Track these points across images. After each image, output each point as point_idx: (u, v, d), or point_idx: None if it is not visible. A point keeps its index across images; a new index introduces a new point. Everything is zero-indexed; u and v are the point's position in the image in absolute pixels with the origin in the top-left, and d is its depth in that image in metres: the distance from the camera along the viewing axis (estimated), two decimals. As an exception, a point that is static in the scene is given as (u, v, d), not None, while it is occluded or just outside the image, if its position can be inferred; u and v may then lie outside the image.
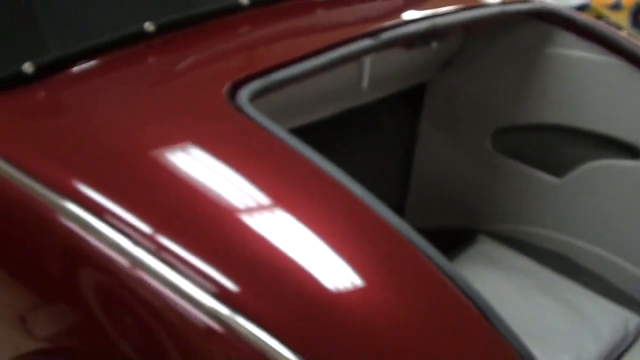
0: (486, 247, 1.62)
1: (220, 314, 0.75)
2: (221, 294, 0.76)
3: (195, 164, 0.90)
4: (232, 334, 0.75)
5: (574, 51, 1.47)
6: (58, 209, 0.87)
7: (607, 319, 1.39)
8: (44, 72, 1.06)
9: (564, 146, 1.56)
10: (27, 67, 1.05)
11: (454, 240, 1.61)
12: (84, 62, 1.09)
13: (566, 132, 1.54)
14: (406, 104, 1.70)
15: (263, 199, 0.86)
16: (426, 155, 1.75)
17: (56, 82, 1.06)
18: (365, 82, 1.33)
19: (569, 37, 1.46)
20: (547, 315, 1.38)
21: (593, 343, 1.33)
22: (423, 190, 1.78)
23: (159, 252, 0.80)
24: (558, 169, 1.57)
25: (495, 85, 1.60)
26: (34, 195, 0.89)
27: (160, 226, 0.83)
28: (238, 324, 0.75)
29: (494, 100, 1.61)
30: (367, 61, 1.32)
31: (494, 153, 1.65)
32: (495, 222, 1.70)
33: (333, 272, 0.79)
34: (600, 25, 1.46)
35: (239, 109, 0.97)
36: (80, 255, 0.86)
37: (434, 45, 1.30)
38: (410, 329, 0.78)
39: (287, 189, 0.89)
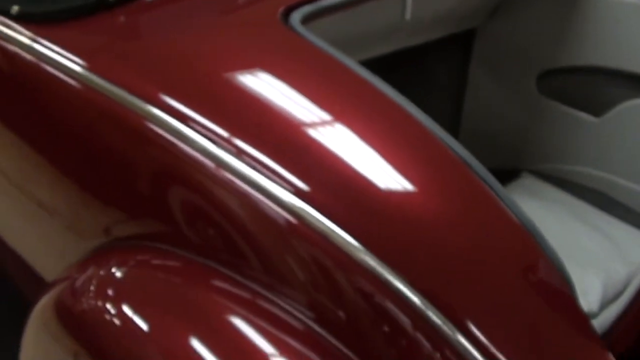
0: (527, 181, 1.64)
1: (296, 207, 0.81)
2: (295, 191, 0.82)
3: (257, 76, 0.95)
4: (304, 224, 0.80)
5: None
6: (146, 115, 0.92)
7: (637, 246, 1.40)
8: None
9: (603, 87, 1.56)
10: (110, -7, 1.12)
11: (500, 179, 1.63)
12: None
13: (606, 73, 1.54)
14: (457, 49, 1.72)
15: (322, 108, 0.90)
16: (475, 98, 1.77)
17: (133, 8, 1.13)
18: (408, 14, 1.36)
19: None
20: (579, 239, 1.40)
21: (622, 265, 1.34)
22: (472, 132, 1.80)
23: (239, 154, 0.85)
24: (597, 108, 1.58)
25: (539, 30, 1.60)
26: (125, 104, 0.94)
27: (237, 132, 0.88)
28: (310, 214, 0.80)
29: (539, 45, 1.62)
30: None
31: (539, 95, 1.66)
32: (538, 161, 1.71)
33: (392, 178, 0.83)
34: (640, -29, 1.46)
35: (291, 29, 1.03)
36: (166, 158, 0.91)
37: None
38: (460, 229, 0.83)
39: (342, 99, 0.94)
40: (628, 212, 1.54)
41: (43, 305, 1.02)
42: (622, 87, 1.53)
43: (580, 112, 1.60)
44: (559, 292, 0.83)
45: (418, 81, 1.68)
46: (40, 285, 1.10)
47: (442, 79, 1.76)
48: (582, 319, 0.82)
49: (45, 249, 1.24)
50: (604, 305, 1.25)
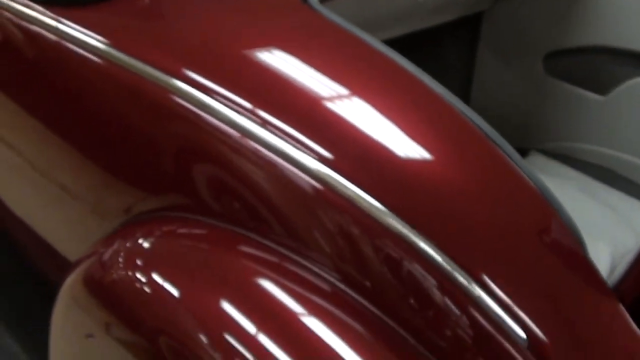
0: (535, 159, 1.65)
1: (322, 173, 0.81)
2: (320, 159, 0.82)
3: (278, 52, 0.94)
4: (330, 190, 0.80)
5: None
6: (170, 88, 0.92)
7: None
8: None
9: (608, 66, 1.56)
10: (130, -23, 1.12)
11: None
12: None
13: (610, 53, 1.55)
14: (465, 32, 1.73)
15: (344, 82, 0.90)
16: (483, 80, 1.78)
17: None
18: None
19: None
20: (587, 212, 1.40)
21: (629, 236, 1.35)
22: (480, 113, 1.80)
23: (264, 124, 0.85)
24: (602, 87, 1.58)
25: (545, 12, 1.61)
26: (149, 78, 0.94)
27: (260, 104, 0.87)
28: (336, 180, 0.80)
29: (545, 26, 1.62)
30: None
31: (545, 76, 1.67)
32: (545, 140, 1.72)
33: (414, 146, 0.83)
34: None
35: (310, 7, 1.03)
36: (191, 129, 0.91)
37: None
38: (480, 194, 0.83)
39: (362, 73, 0.93)
40: (633, 186, 1.55)
41: (71, 281, 1.02)
42: (626, 66, 1.53)
43: (586, 91, 1.61)
44: (573, 252, 0.84)
45: (428, 63, 1.68)
46: (67, 267, 1.10)
47: (451, 62, 1.77)
48: (595, 276, 0.83)
49: (70, 232, 1.23)
50: (612, 273, 1.26)
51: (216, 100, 0.89)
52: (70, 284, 1.02)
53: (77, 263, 1.03)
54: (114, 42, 1.01)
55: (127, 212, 1.04)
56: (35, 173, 1.24)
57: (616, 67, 1.55)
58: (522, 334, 0.73)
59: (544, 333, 0.74)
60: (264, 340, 0.78)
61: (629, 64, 1.53)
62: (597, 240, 1.30)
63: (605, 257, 1.26)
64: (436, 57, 1.72)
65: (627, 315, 0.79)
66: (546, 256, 0.82)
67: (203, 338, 0.82)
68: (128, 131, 1.01)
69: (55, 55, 1.08)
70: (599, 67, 1.58)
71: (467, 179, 0.83)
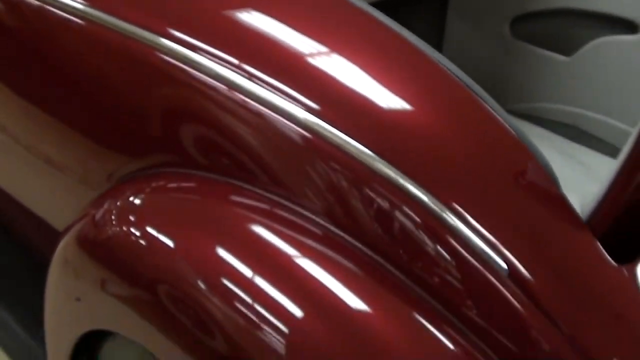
0: (506, 120, 1.68)
1: (310, 122, 0.82)
2: (307, 109, 0.83)
3: (260, 9, 0.95)
4: (319, 137, 0.82)
5: None
6: (156, 45, 0.93)
7: (609, 170, 1.45)
8: None
9: (572, 28, 1.60)
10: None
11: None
12: None
13: (573, 15, 1.58)
14: (434, 0, 1.75)
15: (326, 37, 0.91)
16: (453, 47, 1.80)
17: None
18: None
19: None
20: (556, 166, 1.43)
21: (597, 188, 1.38)
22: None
23: (251, 77, 0.86)
24: (567, 48, 1.62)
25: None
26: (135, 37, 0.95)
27: (245, 59, 0.88)
28: (324, 129, 0.82)
29: (511, -9, 1.66)
30: None
31: (512, 39, 1.70)
32: (514, 102, 1.75)
33: (394, 95, 0.85)
34: None
35: None
36: (179, 84, 0.92)
37: None
38: (461, 136, 0.85)
39: (343, 27, 0.95)
40: (598, 142, 1.60)
41: (64, 244, 1.02)
42: (589, 27, 1.57)
43: (552, 52, 1.64)
44: (550, 190, 0.87)
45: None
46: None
47: (420, 30, 1.79)
48: (570, 211, 0.86)
49: (60, 202, 1.22)
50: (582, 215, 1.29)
51: (203, 56, 0.90)
52: (64, 247, 1.02)
53: (69, 228, 1.03)
54: (98, 4, 1.00)
55: (116, 175, 1.03)
56: (19, 146, 1.24)
57: (580, 29, 1.59)
58: (503, 264, 0.76)
59: (524, 263, 0.77)
60: (261, 282, 0.80)
61: (592, 25, 1.56)
62: (566, 191, 1.33)
63: (576, 206, 1.30)
64: (405, 24, 1.74)
65: (600, 247, 0.83)
66: (525, 193, 0.85)
67: (201, 284, 0.83)
68: (115, 93, 1.01)
69: (40, 22, 1.07)
70: (563, 29, 1.62)
71: (450, 124, 0.85)
